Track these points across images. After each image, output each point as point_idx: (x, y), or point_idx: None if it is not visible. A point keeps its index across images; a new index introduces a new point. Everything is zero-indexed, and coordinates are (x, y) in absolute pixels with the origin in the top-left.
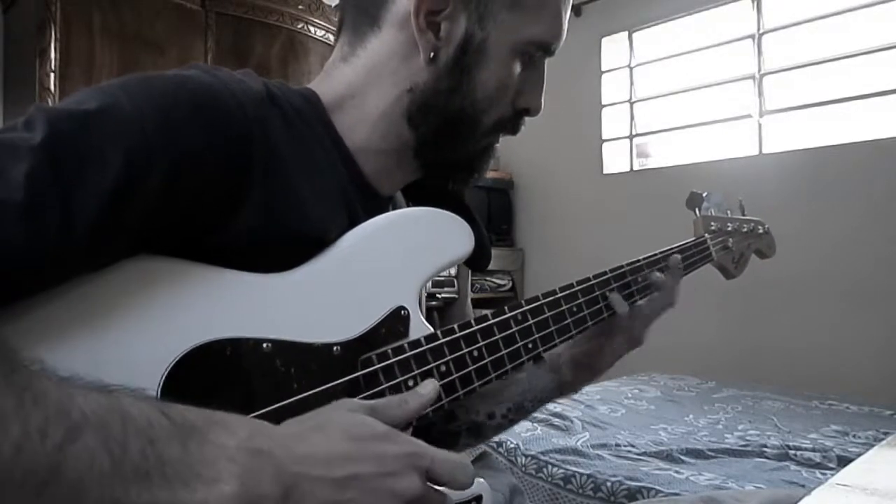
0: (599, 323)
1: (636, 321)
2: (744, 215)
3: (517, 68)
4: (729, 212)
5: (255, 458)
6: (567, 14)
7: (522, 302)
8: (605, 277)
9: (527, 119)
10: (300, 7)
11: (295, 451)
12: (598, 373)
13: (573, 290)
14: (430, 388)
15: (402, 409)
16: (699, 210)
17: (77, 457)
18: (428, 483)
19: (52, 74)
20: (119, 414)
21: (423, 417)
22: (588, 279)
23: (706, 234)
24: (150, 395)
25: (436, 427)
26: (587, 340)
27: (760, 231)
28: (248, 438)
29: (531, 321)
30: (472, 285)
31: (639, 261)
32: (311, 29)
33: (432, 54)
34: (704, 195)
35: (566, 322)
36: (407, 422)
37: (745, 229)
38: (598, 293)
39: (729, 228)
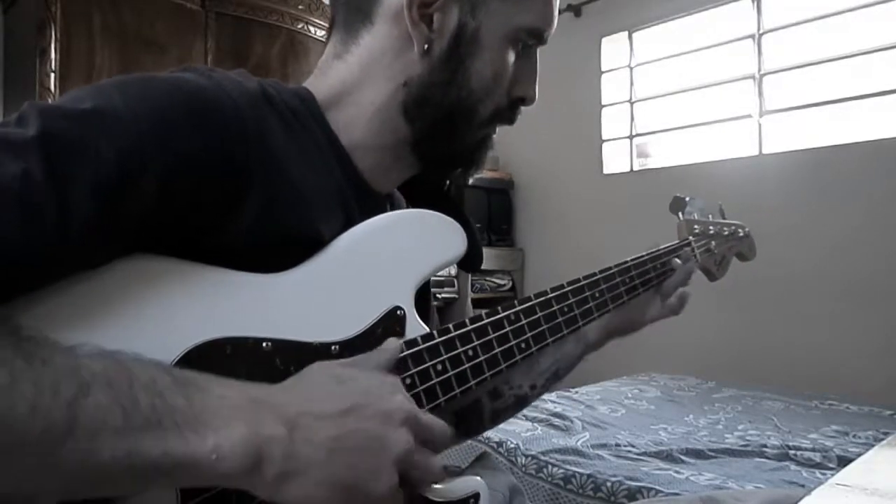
0: (632, 301)
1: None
2: (724, 219)
3: (511, 57)
4: (710, 216)
5: (256, 403)
6: (556, 1)
7: (516, 302)
8: (594, 278)
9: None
10: (300, 7)
11: (290, 396)
12: (627, 333)
13: (563, 290)
14: (393, 342)
15: (371, 360)
16: (682, 214)
17: (90, 411)
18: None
19: (52, 74)
20: (125, 372)
21: (460, 400)
22: (578, 280)
23: (690, 237)
24: (150, 358)
25: (485, 407)
26: (620, 314)
27: (741, 234)
28: (245, 389)
29: (524, 321)
30: (472, 285)
31: (627, 262)
32: (311, 29)
33: (426, 46)
34: (687, 199)
35: (557, 321)
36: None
37: (727, 232)
38: (587, 293)
39: (711, 231)
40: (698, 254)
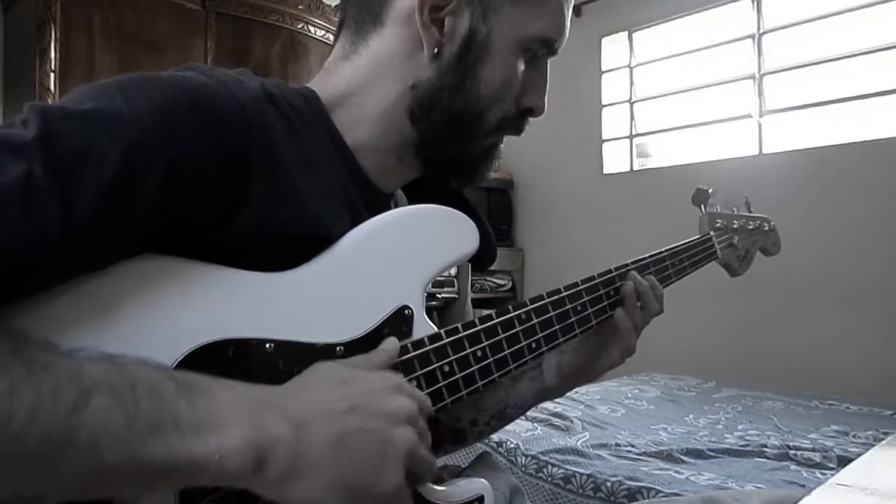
0: (593, 333)
1: (636, 333)
2: (750, 212)
3: (521, 66)
4: (735, 209)
5: (259, 404)
6: (569, 12)
7: (527, 301)
8: (610, 276)
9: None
10: (300, 7)
11: (293, 397)
12: (586, 381)
13: (577, 288)
14: (391, 343)
15: (371, 361)
16: (705, 207)
17: (92, 417)
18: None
19: (52, 74)
20: (127, 376)
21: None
22: (593, 278)
23: (711, 232)
24: (152, 361)
25: None
26: (576, 349)
27: (766, 228)
28: (248, 390)
29: (535, 320)
30: (472, 285)
31: (644, 258)
32: (311, 29)
33: (436, 50)
34: (710, 192)
35: (570, 321)
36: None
37: (751, 226)
38: (602, 292)
39: (734, 226)
40: (719, 249)
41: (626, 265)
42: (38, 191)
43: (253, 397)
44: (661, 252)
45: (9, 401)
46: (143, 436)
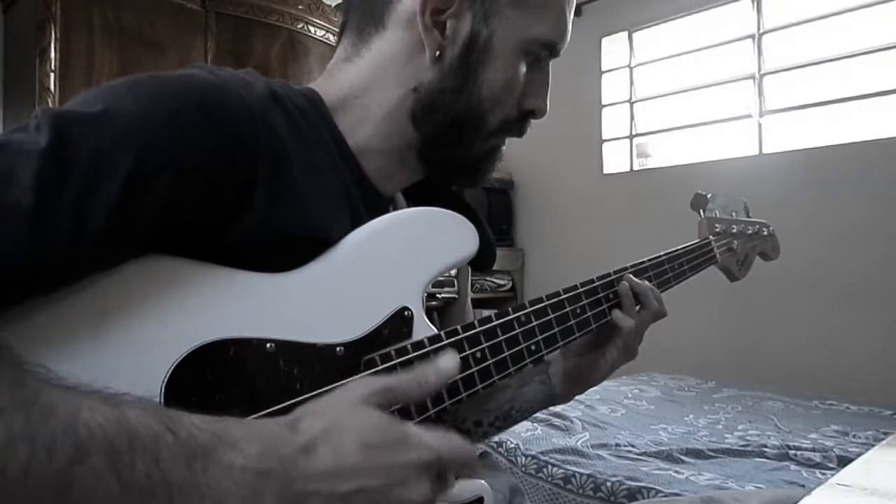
0: (594, 335)
1: (635, 333)
2: (748, 217)
3: (522, 68)
4: (734, 213)
5: (261, 478)
6: (571, 15)
7: (526, 303)
8: (609, 279)
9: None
10: (300, 7)
11: (302, 468)
12: (591, 385)
13: (577, 291)
14: (451, 362)
15: (422, 388)
16: (703, 211)
17: (84, 478)
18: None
19: (52, 74)
20: (125, 431)
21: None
22: (592, 281)
23: (710, 236)
24: (156, 405)
25: None
26: (580, 353)
27: (765, 233)
28: (256, 458)
29: (535, 323)
30: (472, 285)
31: (643, 262)
32: (311, 29)
33: (438, 53)
34: (709, 196)
35: (569, 324)
36: (427, 398)
37: (750, 231)
38: (601, 295)
39: (734, 230)
40: (718, 253)
41: (625, 268)
42: (51, 199)
43: (259, 468)
44: (660, 256)
45: (4, 454)
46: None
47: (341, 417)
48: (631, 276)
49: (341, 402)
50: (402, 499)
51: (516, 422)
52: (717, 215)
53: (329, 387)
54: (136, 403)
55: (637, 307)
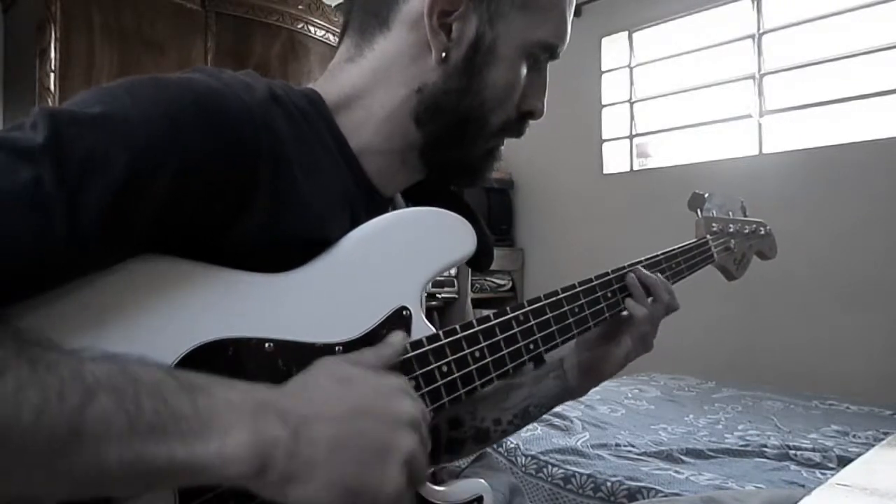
0: (608, 327)
1: (650, 324)
2: (745, 216)
3: (524, 70)
4: (731, 213)
5: (260, 406)
6: (570, 17)
7: (525, 303)
8: (607, 278)
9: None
10: (300, 7)
11: (294, 398)
12: (606, 377)
13: (575, 290)
14: (398, 336)
15: (379, 356)
16: (701, 211)
17: (95, 417)
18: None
19: (52, 74)
20: (129, 376)
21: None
22: (590, 280)
23: (708, 236)
24: (154, 361)
25: (442, 433)
26: (595, 346)
27: (762, 232)
28: (249, 391)
29: (533, 322)
30: (472, 285)
31: (640, 261)
32: (311, 29)
33: (444, 54)
34: (706, 196)
35: (567, 322)
36: (384, 367)
37: (747, 230)
38: (599, 294)
39: (731, 230)
40: (716, 252)
41: (623, 268)
42: (46, 196)
43: (255, 399)
44: (658, 255)
45: (15, 401)
46: (145, 438)
47: (313, 370)
48: (640, 268)
49: (309, 368)
50: (395, 411)
51: (534, 418)
52: (714, 214)
53: None
54: (133, 359)
55: (650, 299)
